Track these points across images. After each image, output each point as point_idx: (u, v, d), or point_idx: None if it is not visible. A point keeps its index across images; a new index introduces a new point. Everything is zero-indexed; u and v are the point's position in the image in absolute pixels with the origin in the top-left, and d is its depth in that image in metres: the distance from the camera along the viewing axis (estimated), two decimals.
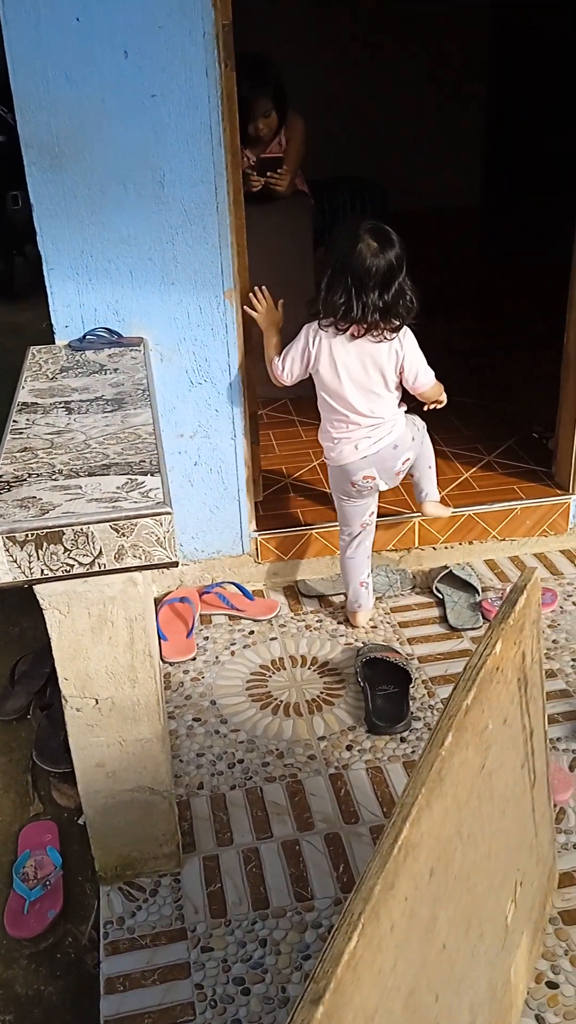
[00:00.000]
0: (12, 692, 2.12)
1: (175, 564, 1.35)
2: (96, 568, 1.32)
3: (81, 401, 1.76)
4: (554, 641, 2.22)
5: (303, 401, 3.42)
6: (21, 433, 1.61)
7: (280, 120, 2.98)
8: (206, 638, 2.30)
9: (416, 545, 2.57)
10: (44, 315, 2.17)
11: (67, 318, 2.12)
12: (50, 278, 2.07)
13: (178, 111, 1.94)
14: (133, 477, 1.41)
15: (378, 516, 2.53)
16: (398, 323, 2.01)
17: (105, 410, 1.71)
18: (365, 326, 1.99)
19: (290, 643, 2.27)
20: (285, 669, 2.18)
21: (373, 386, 2.07)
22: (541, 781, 1.41)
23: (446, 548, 2.58)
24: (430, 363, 2.16)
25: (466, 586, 2.40)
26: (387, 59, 5.58)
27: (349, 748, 1.93)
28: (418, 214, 5.83)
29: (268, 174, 2.93)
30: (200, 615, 2.37)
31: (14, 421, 1.67)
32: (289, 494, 2.73)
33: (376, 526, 2.49)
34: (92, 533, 1.30)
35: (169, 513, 1.31)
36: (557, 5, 5.17)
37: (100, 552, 1.31)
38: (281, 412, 3.38)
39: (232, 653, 2.24)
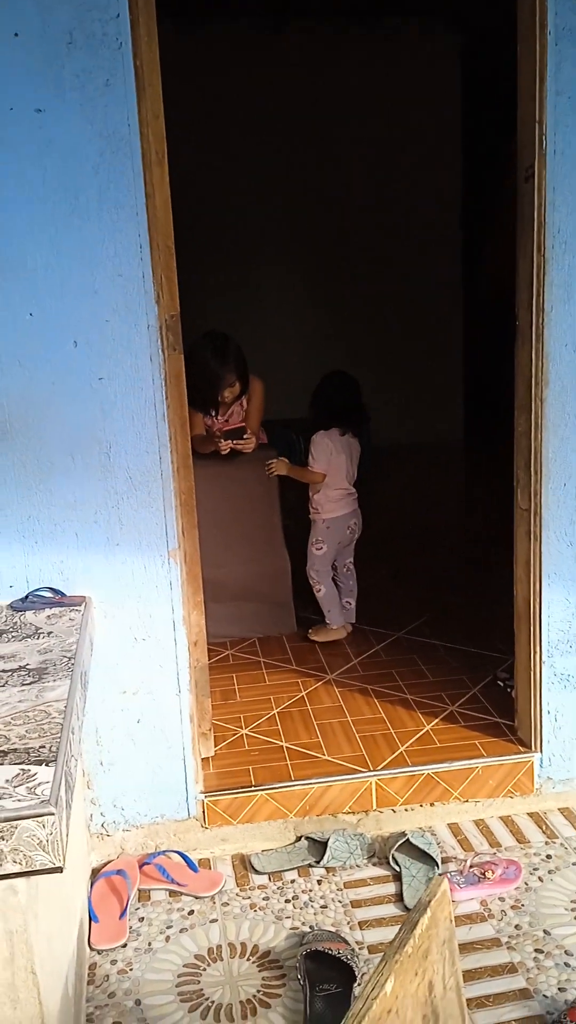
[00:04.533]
0: None
1: (59, 870, 1.25)
2: None
3: (3, 671, 1.73)
4: (516, 927, 2.03)
5: (271, 641, 3.41)
6: None
7: (243, 387, 3.27)
8: (141, 919, 2.11)
9: (374, 807, 2.42)
10: None
11: (11, 579, 2.14)
12: None
13: (124, 391, 2.07)
14: (27, 768, 1.35)
15: (333, 777, 2.43)
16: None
17: (24, 682, 1.68)
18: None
19: (231, 927, 2.08)
20: (222, 960, 1.97)
21: None
22: None
23: (406, 810, 2.43)
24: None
25: (425, 857, 2.23)
26: (370, 304, 6.14)
27: None
28: (403, 448, 6.14)
29: (234, 442, 3.16)
30: (139, 889, 2.20)
31: None
32: (244, 747, 2.62)
33: (331, 787, 2.39)
34: None
35: (52, 814, 1.24)
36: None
37: None
38: (248, 652, 3.34)
39: (167, 939, 2.05)
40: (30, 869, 1.24)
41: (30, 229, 1.94)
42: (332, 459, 3.24)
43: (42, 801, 1.26)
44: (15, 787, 1.30)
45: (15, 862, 1.24)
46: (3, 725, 1.50)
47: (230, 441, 3.19)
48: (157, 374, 2.08)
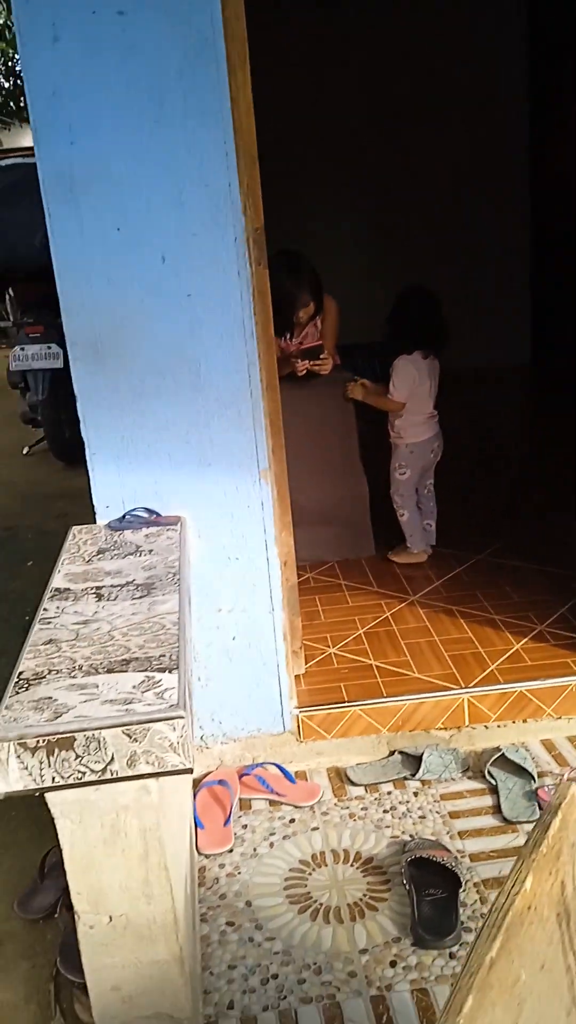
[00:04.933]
0: (40, 887, 2.00)
1: (189, 771, 1.28)
2: (108, 775, 1.27)
3: (112, 586, 1.76)
4: None
5: (350, 564, 3.41)
6: (49, 623, 1.60)
7: (317, 306, 3.19)
8: (244, 826, 2.18)
9: (467, 723, 2.43)
10: None
11: (107, 499, 2.16)
12: (92, 462, 2.14)
13: (212, 308, 2.04)
14: (151, 675, 1.38)
15: (425, 694, 2.44)
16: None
17: (134, 596, 1.70)
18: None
19: (332, 834, 2.13)
20: (326, 866, 2.03)
21: None
22: None
23: (499, 727, 2.43)
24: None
25: (521, 771, 2.24)
26: (433, 221, 5.89)
27: (393, 964, 1.75)
28: (468, 372, 5.97)
29: (311, 363, 3.09)
30: (239, 799, 2.26)
31: (44, 609, 1.67)
32: (333, 666, 2.65)
33: (424, 703, 2.40)
34: (104, 738, 1.25)
35: (182, 717, 1.26)
36: None
37: (112, 758, 1.26)
38: (328, 575, 3.35)
39: (271, 845, 2.11)
40: (163, 770, 1.28)
41: (115, 139, 1.89)
42: (415, 387, 3.15)
43: (171, 705, 1.28)
44: (143, 692, 1.32)
45: (148, 763, 1.27)
46: (121, 635, 1.52)
47: (307, 362, 3.13)
48: (245, 290, 2.04)
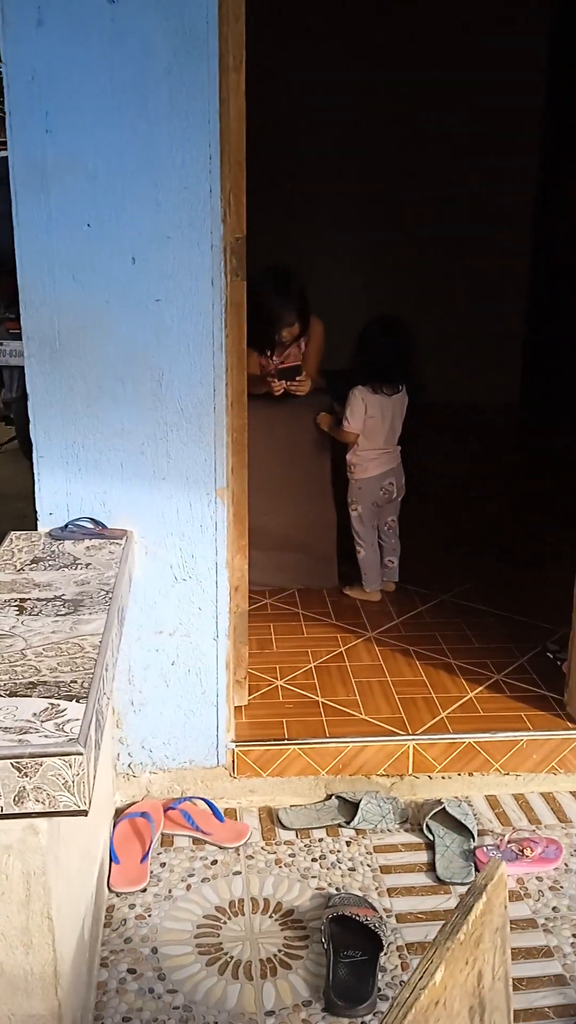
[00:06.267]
0: None
1: (83, 814, 1.17)
2: None
3: (38, 600, 1.65)
4: (554, 909, 1.92)
5: (311, 594, 3.30)
6: None
7: (303, 327, 3.10)
8: (163, 864, 2.05)
9: (410, 772, 2.33)
10: None
11: (52, 506, 2.06)
12: (39, 466, 2.03)
13: (181, 316, 1.94)
14: (56, 702, 1.27)
15: (369, 737, 2.34)
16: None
17: (59, 613, 1.59)
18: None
19: (255, 881, 2.01)
20: (243, 915, 1.90)
21: None
22: None
23: (443, 778, 2.33)
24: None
25: (460, 828, 2.14)
26: (426, 253, 5.81)
27: None
28: (455, 408, 5.88)
29: (288, 383, 3.00)
30: (162, 834, 2.14)
31: None
32: (278, 699, 2.54)
33: (367, 747, 2.30)
34: None
35: (80, 754, 1.15)
36: None
37: None
38: (287, 603, 3.24)
39: (188, 887, 1.98)
40: (53, 810, 1.16)
41: (94, 131, 1.81)
42: (368, 419, 3.02)
43: (70, 739, 1.17)
44: (42, 722, 1.21)
45: (38, 801, 1.16)
46: (34, 655, 1.41)
47: (283, 382, 3.04)
48: (218, 300, 1.95)
